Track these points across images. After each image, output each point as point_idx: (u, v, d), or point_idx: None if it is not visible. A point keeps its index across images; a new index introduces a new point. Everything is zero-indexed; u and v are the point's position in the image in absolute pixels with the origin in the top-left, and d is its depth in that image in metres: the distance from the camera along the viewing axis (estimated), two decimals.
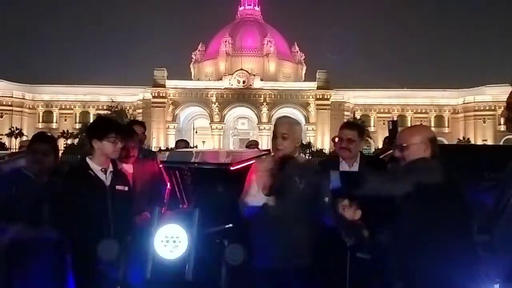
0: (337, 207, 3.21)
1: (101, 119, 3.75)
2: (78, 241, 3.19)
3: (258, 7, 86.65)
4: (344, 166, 3.82)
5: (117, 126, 3.47)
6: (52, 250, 3.28)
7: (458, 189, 2.62)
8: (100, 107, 66.73)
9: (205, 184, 3.99)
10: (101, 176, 3.30)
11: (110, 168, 3.36)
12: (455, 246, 2.48)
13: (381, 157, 4.20)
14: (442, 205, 2.52)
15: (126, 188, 3.44)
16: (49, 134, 4.23)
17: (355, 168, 3.81)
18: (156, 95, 66.08)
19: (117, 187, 3.34)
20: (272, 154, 3.42)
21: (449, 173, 2.61)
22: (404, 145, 2.71)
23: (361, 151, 4.02)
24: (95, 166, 3.31)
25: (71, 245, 3.39)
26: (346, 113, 66.90)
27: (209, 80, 74.41)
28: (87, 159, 3.36)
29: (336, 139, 3.88)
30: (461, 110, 68.31)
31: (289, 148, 3.31)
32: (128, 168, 4.01)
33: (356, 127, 3.90)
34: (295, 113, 63.68)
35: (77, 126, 63.88)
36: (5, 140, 59.02)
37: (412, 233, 2.57)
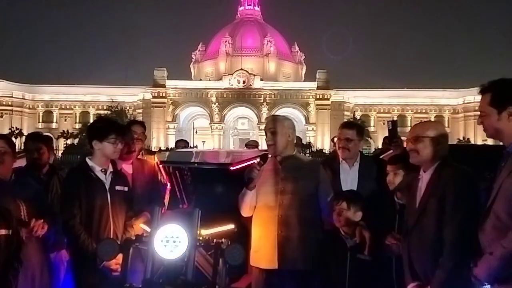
0: (336, 209, 3.22)
1: (101, 120, 3.74)
2: (78, 242, 3.18)
3: (258, 7, 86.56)
4: (344, 166, 3.82)
5: (117, 126, 3.47)
6: (36, 248, 3.24)
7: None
8: (100, 107, 66.64)
9: (205, 184, 3.99)
10: (101, 176, 3.31)
11: (110, 169, 3.37)
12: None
13: (381, 157, 4.19)
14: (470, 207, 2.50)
15: (126, 189, 3.45)
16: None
17: (356, 168, 3.81)
18: (156, 95, 66.01)
19: (117, 187, 3.35)
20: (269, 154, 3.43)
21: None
22: (418, 137, 2.69)
23: (361, 151, 4.03)
24: (95, 166, 3.32)
25: (71, 245, 3.37)
26: (346, 113, 66.84)
27: (209, 80, 74.34)
28: (87, 160, 3.36)
29: (335, 139, 3.88)
30: (461, 110, 68.25)
31: (281, 143, 3.33)
32: (127, 168, 4.01)
33: (354, 127, 3.90)
34: (295, 113, 63.64)
35: (77, 126, 63.80)
36: None
37: (438, 234, 2.55)
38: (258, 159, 3.29)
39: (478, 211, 2.39)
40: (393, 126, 3.87)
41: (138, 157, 4.43)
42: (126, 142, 3.83)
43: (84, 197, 3.21)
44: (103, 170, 3.32)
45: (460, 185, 2.54)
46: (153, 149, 31.22)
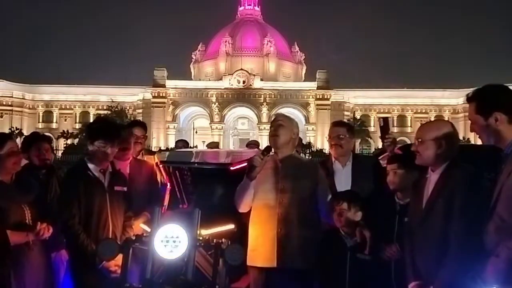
0: (336, 209, 3.22)
1: (96, 122, 3.72)
2: (77, 242, 3.18)
3: (258, 7, 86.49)
4: (337, 166, 3.85)
5: (107, 131, 3.40)
6: (37, 250, 3.23)
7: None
8: (100, 107, 66.63)
9: (205, 184, 3.99)
10: (100, 176, 3.31)
11: (109, 169, 3.38)
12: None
13: (379, 158, 4.20)
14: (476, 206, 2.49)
15: (125, 189, 3.45)
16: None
17: (348, 167, 3.84)
18: (156, 95, 65.99)
19: (116, 187, 3.35)
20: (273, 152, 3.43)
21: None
22: (420, 140, 2.70)
23: (354, 151, 4.06)
24: (93, 167, 3.32)
25: (70, 246, 3.37)
26: (346, 113, 66.82)
27: (209, 80, 74.30)
28: (86, 160, 3.37)
29: (327, 138, 3.93)
30: (461, 110, 68.13)
31: (285, 137, 3.34)
32: (125, 168, 3.98)
33: (345, 125, 4.03)
34: (295, 113, 63.57)
35: (77, 126, 63.75)
36: None
37: (443, 234, 2.54)
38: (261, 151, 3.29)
39: (485, 213, 2.38)
40: (385, 123, 3.87)
41: (138, 157, 4.44)
42: (123, 146, 3.82)
43: (83, 198, 3.22)
44: (101, 170, 3.33)
45: (468, 186, 2.53)
46: (153, 149, 31.29)
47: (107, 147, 3.30)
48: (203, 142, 62.41)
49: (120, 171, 3.64)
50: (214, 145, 7.85)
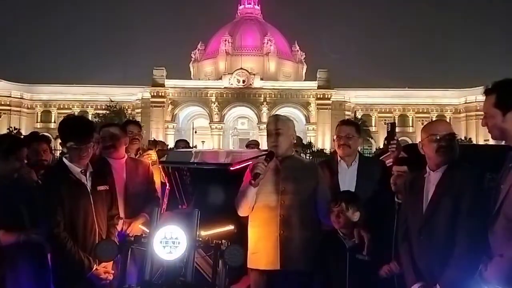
0: (335, 210, 3.20)
1: (64, 122, 3.30)
2: (64, 250, 3.00)
3: (258, 5, 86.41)
4: (343, 166, 3.81)
5: (77, 131, 3.15)
6: (32, 253, 3.16)
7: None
8: (98, 107, 66.47)
9: (205, 184, 3.97)
10: (82, 178, 3.14)
11: (90, 169, 3.21)
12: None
13: (381, 158, 4.17)
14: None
15: (107, 187, 3.30)
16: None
17: (354, 167, 3.80)
18: (155, 94, 65.90)
19: (99, 187, 3.21)
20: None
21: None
22: (446, 134, 2.65)
23: (359, 151, 4.02)
24: (74, 167, 3.14)
25: (55, 254, 3.16)
26: (347, 112, 66.67)
27: (209, 79, 74.20)
28: (64, 160, 3.18)
29: (335, 137, 3.88)
30: (463, 109, 68.18)
31: (285, 145, 3.32)
32: (120, 167, 3.91)
33: (353, 124, 3.96)
34: (295, 112, 63.61)
35: None
36: None
37: (449, 235, 2.52)
38: (264, 156, 3.25)
39: (489, 213, 2.35)
40: (392, 129, 3.85)
41: (137, 157, 4.41)
42: (103, 139, 3.75)
43: (67, 202, 3.03)
44: (82, 171, 3.15)
45: (475, 187, 2.51)
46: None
47: (80, 148, 3.10)
48: (203, 142, 62.69)
49: (101, 169, 3.43)
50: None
